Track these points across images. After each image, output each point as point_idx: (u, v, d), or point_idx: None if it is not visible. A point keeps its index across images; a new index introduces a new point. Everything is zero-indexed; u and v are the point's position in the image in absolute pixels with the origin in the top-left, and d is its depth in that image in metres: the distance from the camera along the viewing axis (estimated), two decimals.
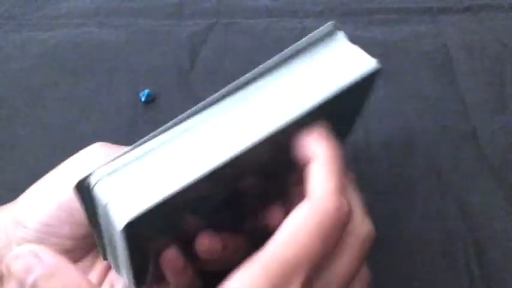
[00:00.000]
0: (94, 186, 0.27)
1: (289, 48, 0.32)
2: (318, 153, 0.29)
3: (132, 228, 0.26)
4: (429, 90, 0.52)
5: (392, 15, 0.56)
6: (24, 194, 0.35)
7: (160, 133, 0.29)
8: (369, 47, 0.54)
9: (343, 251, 0.29)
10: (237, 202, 0.33)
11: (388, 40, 0.54)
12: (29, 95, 0.52)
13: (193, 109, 0.30)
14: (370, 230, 0.30)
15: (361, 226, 0.30)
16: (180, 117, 0.29)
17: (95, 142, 0.49)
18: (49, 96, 0.52)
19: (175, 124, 0.29)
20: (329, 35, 0.32)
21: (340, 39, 0.32)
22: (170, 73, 0.53)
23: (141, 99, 0.51)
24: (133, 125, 0.50)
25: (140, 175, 0.27)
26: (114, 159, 0.27)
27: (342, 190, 0.28)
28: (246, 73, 0.53)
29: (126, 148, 0.29)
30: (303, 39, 0.32)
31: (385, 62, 0.53)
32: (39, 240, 0.32)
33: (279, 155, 0.30)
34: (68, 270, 0.25)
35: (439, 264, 0.44)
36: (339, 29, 0.33)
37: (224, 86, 0.52)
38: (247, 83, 0.31)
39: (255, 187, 0.32)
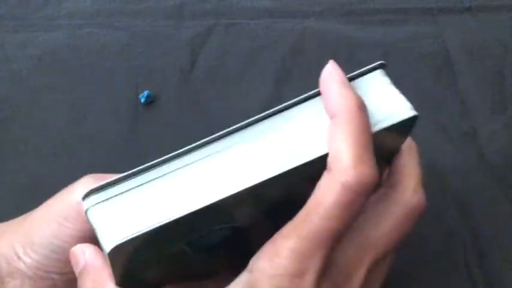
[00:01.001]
0: (87, 210, 0.27)
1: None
2: (338, 108, 0.27)
3: (119, 253, 0.26)
4: (429, 91, 0.52)
5: (392, 16, 0.56)
6: (22, 222, 0.34)
7: (160, 164, 0.28)
8: (369, 48, 0.55)
9: (385, 219, 0.29)
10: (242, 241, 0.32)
11: (388, 40, 0.54)
12: (29, 96, 0.52)
13: (204, 140, 0.29)
14: (420, 203, 0.30)
15: (411, 197, 0.30)
16: (186, 148, 0.28)
17: (95, 144, 0.49)
18: (49, 97, 0.52)
19: (177, 156, 0.28)
20: (370, 72, 0.31)
21: (381, 81, 0.30)
22: (170, 74, 0.53)
23: (141, 101, 0.51)
24: (133, 127, 0.50)
25: (133, 204, 0.27)
26: (108, 185, 0.27)
27: (363, 155, 0.26)
28: (246, 74, 0.53)
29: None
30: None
31: (385, 62, 0.53)
32: (40, 276, 0.32)
33: (293, 194, 0.29)
34: (99, 269, 0.28)
35: (439, 264, 0.44)
36: (385, 69, 0.31)
37: (224, 87, 0.52)
38: (272, 113, 0.30)
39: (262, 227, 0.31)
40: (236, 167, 0.28)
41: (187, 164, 0.28)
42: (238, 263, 0.30)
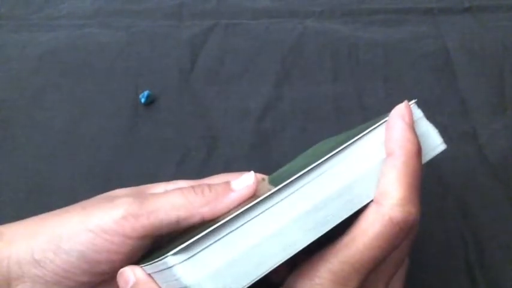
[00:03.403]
0: (173, 266, 0.27)
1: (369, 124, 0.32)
2: (395, 149, 0.30)
3: None
4: (429, 91, 0.52)
5: (392, 16, 0.56)
6: (43, 224, 0.33)
7: (239, 216, 0.28)
8: (369, 48, 0.55)
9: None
10: None
11: (388, 41, 0.55)
12: (29, 96, 0.52)
13: (279, 187, 0.29)
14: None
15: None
16: (263, 197, 0.28)
17: (95, 144, 0.49)
18: (49, 97, 0.52)
19: (255, 206, 0.28)
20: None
21: (416, 115, 0.33)
22: (170, 74, 0.53)
23: (141, 101, 0.51)
24: (133, 127, 0.50)
25: (219, 259, 0.27)
26: (194, 240, 0.27)
27: (412, 196, 0.29)
28: (246, 74, 0.53)
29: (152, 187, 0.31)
30: (383, 118, 0.32)
31: (385, 62, 0.54)
32: (55, 281, 0.32)
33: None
34: (150, 282, 0.30)
35: (439, 264, 0.44)
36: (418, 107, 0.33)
37: (224, 87, 0.52)
38: (321, 163, 0.30)
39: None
40: (310, 212, 0.29)
41: (250, 220, 0.28)
42: None
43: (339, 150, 0.30)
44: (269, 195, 0.28)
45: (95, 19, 0.56)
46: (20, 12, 0.56)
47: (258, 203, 0.28)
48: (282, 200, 0.28)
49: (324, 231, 0.28)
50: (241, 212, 0.28)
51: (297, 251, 0.28)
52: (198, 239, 0.27)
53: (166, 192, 0.33)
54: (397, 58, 0.54)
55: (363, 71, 0.53)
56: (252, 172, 0.32)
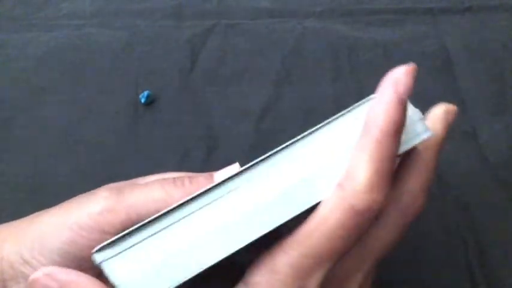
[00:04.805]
0: (102, 263, 0.26)
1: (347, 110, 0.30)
2: (371, 125, 0.27)
3: None
4: (429, 91, 0.52)
5: (392, 16, 0.56)
6: (30, 224, 0.33)
7: (172, 212, 0.27)
8: (369, 48, 0.55)
9: (385, 226, 0.29)
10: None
11: (388, 41, 0.54)
12: (29, 96, 0.52)
13: (214, 185, 0.27)
14: (419, 208, 0.29)
15: (411, 205, 0.29)
16: (197, 193, 0.27)
17: (95, 144, 0.49)
18: (49, 97, 0.52)
19: (188, 203, 0.27)
20: None
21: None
22: (170, 74, 0.53)
23: (141, 101, 0.51)
24: (133, 127, 0.50)
25: (149, 256, 0.26)
26: (123, 236, 0.26)
27: (379, 182, 0.26)
28: (246, 74, 0.53)
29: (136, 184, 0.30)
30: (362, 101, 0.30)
31: (386, 62, 0.54)
32: None
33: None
34: (79, 280, 0.27)
35: (439, 264, 0.44)
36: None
37: (224, 87, 0.52)
38: (284, 148, 0.28)
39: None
40: (256, 208, 0.27)
41: (194, 212, 0.27)
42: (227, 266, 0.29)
43: (306, 134, 0.29)
44: (208, 189, 0.27)
45: (95, 19, 0.56)
46: (20, 12, 0.56)
47: (196, 197, 0.26)
48: (227, 193, 0.27)
49: (273, 227, 0.26)
50: (178, 206, 0.26)
51: (239, 247, 0.26)
52: (126, 234, 0.25)
53: (145, 184, 0.32)
54: (397, 58, 0.54)
55: (363, 71, 0.53)
56: (237, 163, 0.31)
